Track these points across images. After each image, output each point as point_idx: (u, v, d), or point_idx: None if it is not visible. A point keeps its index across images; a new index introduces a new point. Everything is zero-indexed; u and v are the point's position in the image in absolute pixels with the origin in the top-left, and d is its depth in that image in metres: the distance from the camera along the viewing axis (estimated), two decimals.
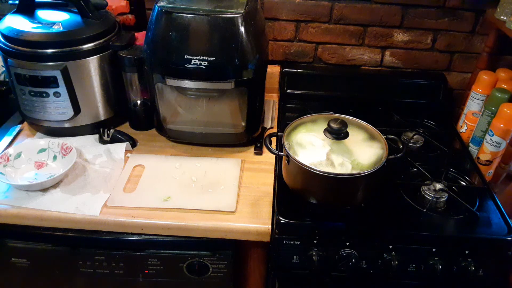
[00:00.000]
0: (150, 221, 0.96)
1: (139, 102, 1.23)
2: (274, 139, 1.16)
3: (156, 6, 1.01)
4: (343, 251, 0.95)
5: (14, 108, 1.23)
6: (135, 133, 1.22)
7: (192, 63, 0.99)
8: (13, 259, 1.03)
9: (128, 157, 1.13)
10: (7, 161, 1.06)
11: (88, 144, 1.16)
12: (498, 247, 0.95)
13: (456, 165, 1.13)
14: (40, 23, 1.08)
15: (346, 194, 0.95)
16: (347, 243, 0.95)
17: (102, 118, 1.20)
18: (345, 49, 1.42)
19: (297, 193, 0.98)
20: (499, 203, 1.02)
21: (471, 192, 1.06)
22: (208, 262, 1.01)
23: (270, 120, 1.32)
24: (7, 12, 1.13)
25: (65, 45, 1.06)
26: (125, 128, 1.24)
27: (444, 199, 1.00)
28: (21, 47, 1.05)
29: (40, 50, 1.05)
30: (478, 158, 1.17)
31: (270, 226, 0.95)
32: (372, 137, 0.98)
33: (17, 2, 1.13)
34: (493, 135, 1.11)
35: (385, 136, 0.97)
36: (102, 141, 1.16)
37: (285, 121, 1.27)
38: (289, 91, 1.40)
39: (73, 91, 1.11)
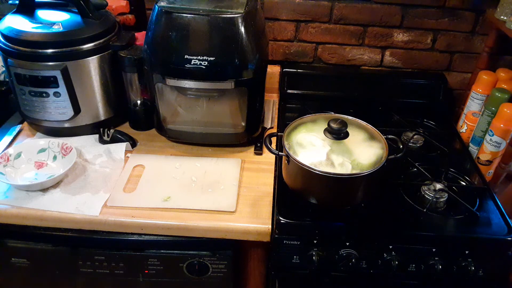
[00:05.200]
0: (150, 221, 0.96)
1: (139, 102, 1.23)
2: (274, 139, 1.16)
3: (156, 6, 1.01)
4: (343, 251, 0.95)
5: (14, 108, 1.23)
6: (135, 133, 1.22)
7: (192, 63, 0.99)
8: (13, 259, 1.03)
9: (128, 157, 1.13)
10: (7, 161, 1.06)
11: (88, 144, 1.16)
12: (498, 247, 0.95)
13: (456, 165, 1.13)
14: (40, 23, 1.08)
15: (346, 194, 0.95)
16: (347, 243, 0.95)
17: (102, 118, 1.19)
18: (345, 49, 1.42)
19: (297, 193, 0.98)
20: (499, 203, 1.02)
21: (471, 192, 1.06)
22: (208, 262, 1.01)
23: (270, 120, 1.32)
24: (7, 12, 1.13)
25: (65, 45, 1.06)
26: (125, 128, 1.24)
27: (444, 199, 1.00)
28: (21, 47, 1.05)
29: (40, 50, 1.05)
30: (478, 158, 1.17)
31: (270, 226, 0.95)
32: (372, 137, 0.98)
33: (17, 2, 1.13)
34: (493, 135, 1.11)
35: (385, 136, 0.97)
36: (102, 141, 1.16)
37: (285, 121, 1.27)
38: (289, 91, 1.40)
39: (73, 91, 1.11)
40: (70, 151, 1.08)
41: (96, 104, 1.17)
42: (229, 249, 1.00)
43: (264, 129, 1.27)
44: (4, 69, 1.14)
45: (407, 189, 1.04)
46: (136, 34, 1.20)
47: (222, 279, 1.03)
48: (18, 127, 1.23)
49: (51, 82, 1.07)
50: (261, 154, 1.17)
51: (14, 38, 1.05)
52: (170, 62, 1.01)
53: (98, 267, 1.03)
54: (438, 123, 1.32)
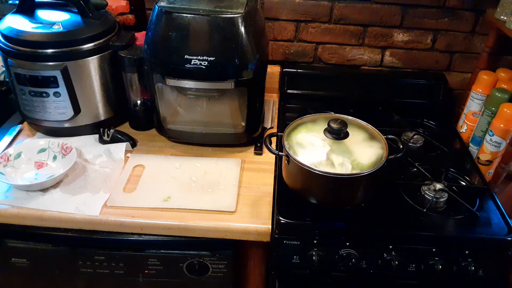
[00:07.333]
0: (150, 221, 0.96)
1: (139, 102, 1.23)
2: (274, 139, 1.16)
3: (156, 6, 1.01)
4: (343, 251, 0.95)
5: (14, 108, 1.23)
6: (135, 133, 1.22)
7: (192, 63, 0.99)
8: (13, 259, 1.03)
9: (128, 157, 1.13)
10: (7, 161, 1.06)
11: (88, 144, 1.16)
12: (498, 247, 0.95)
13: (456, 165, 1.13)
14: (40, 23, 1.08)
15: (346, 194, 0.95)
16: (347, 243, 0.95)
17: (102, 118, 1.19)
18: (345, 49, 1.42)
19: (297, 193, 0.98)
20: (499, 203, 1.02)
21: (471, 192, 1.06)
22: (208, 262, 1.01)
23: (270, 120, 1.32)
24: (7, 12, 1.13)
25: (65, 45, 1.06)
26: (125, 128, 1.24)
27: (444, 199, 1.00)
28: (21, 47, 1.05)
29: (40, 50, 1.05)
30: (478, 158, 1.17)
31: (270, 226, 0.95)
32: (372, 137, 0.98)
33: (17, 2, 1.13)
34: (493, 135, 1.11)
35: (385, 136, 0.97)
36: (102, 141, 1.16)
37: (285, 121, 1.27)
38: (289, 91, 1.40)
39: (73, 91, 1.11)
40: (70, 151, 1.08)
41: (96, 104, 1.17)
42: (229, 249, 1.00)
43: (264, 129, 1.27)
44: (4, 69, 1.14)
45: (407, 189, 1.04)
46: (136, 34, 1.20)
47: (222, 279, 1.03)
48: (18, 127, 1.23)
49: (51, 82, 1.07)
50: (261, 154, 1.17)
51: (14, 38, 1.05)
52: (170, 62, 1.01)
53: (98, 267, 1.03)
54: (438, 123, 1.32)
